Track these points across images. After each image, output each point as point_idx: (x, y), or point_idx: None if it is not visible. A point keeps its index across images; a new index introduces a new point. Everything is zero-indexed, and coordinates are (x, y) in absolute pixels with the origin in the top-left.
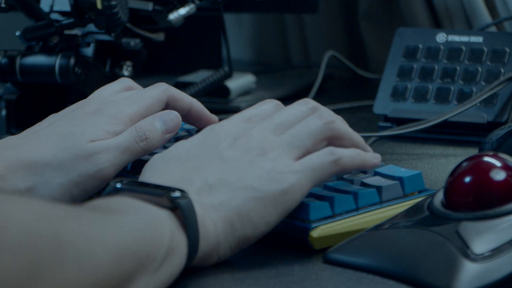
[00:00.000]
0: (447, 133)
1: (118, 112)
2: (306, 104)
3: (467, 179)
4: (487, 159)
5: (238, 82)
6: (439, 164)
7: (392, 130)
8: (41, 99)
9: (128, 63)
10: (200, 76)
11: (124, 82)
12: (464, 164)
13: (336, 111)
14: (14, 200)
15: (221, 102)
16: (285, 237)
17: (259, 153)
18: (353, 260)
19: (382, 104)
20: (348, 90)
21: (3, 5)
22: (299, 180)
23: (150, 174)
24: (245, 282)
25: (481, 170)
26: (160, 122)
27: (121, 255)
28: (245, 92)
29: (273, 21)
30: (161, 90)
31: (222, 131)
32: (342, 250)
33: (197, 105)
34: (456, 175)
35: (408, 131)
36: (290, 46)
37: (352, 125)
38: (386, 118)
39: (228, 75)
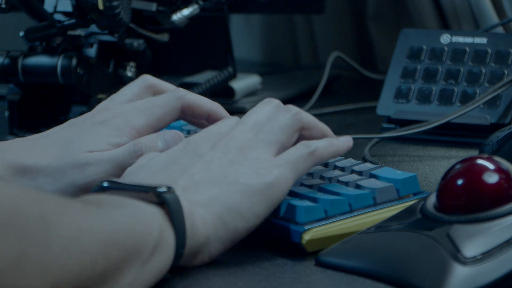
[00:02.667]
0: (450, 135)
1: (123, 124)
2: (270, 103)
3: (459, 181)
4: (479, 161)
5: (243, 82)
6: (441, 166)
7: (394, 132)
8: (43, 100)
9: (132, 63)
10: (205, 77)
11: (144, 81)
12: (457, 166)
13: (342, 112)
14: (3, 183)
15: (225, 103)
16: (278, 239)
17: (239, 152)
18: (345, 263)
19: (386, 105)
20: (354, 91)
21: (3, 6)
22: (283, 173)
23: (133, 177)
24: (235, 284)
25: (473, 173)
26: (162, 142)
27: (109, 245)
28: (251, 93)
29: (283, 22)
30: (176, 97)
31: (199, 140)
32: (333, 253)
33: (216, 112)
34: (448, 177)
35: (410, 133)
36: (299, 47)
37: (356, 126)
38: (389, 120)
39: (232, 76)
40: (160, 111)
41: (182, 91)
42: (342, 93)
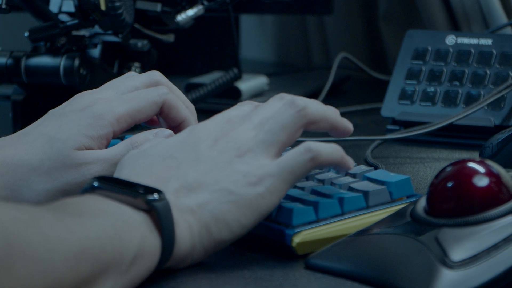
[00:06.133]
0: (453, 137)
1: (105, 112)
2: (281, 99)
3: (449, 184)
4: (470, 164)
5: (249, 83)
6: None
7: (397, 133)
8: (48, 100)
9: (137, 64)
10: (211, 78)
11: (153, 76)
12: (447, 169)
13: (348, 113)
14: None
15: (231, 104)
16: (269, 241)
17: (236, 154)
18: (334, 266)
19: (390, 106)
20: (363, 92)
21: (3, 6)
22: (275, 184)
23: (129, 170)
24: (222, 287)
25: (463, 176)
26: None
27: (80, 259)
28: (258, 94)
29: (295, 23)
30: (159, 93)
31: (202, 131)
32: (323, 255)
33: (191, 122)
34: (438, 180)
35: (413, 134)
36: (311, 47)
37: (361, 127)
38: (394, 121)
39: (237, 77)
40: (142, 103)
41: (165, 89)
42: (351, 94)
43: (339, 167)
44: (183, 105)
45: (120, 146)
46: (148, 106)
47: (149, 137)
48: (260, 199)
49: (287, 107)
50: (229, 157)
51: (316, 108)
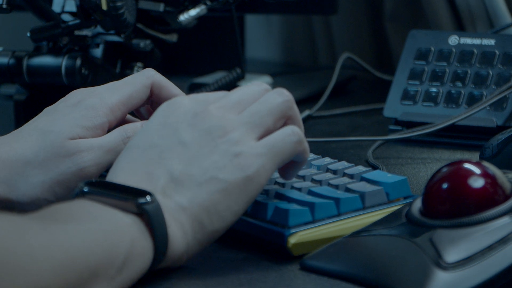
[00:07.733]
0: (456, 137)
1: (98, 103)
2: (260, 86)
3: (444, 186)
4: (465, 166)
5: None
6: None
7: (398, 134)
8: (49, 100)
9: (139, 64)
10: (214, 78)
11: (150, 75)
12: (442, 170)
13: (351, 114)
14: None
15: None
16: (264, 242)
17: (220, 134)
18: (329, 267)
19: (393, 107)
20: (367, 92)
21: (4, 6)
22: (263, 165)
23: (115, 167)
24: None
25: (458, 177)
26: None
27: (67, 266)
28: None
29: (302, 23)
30: (146, 76)
31: (180, 108)
32: (318, 256)
33: None
34: (433, 182)
35: (414, 135)
36: (317, 48)
37: (364, 127)
38: (396, 121)
39: (240, 77)
40: (131, 88)
41: (152, 71)
42: (355, 94)
43: (302, 158)
44: (172, 84)
45: (113, 133)
46: (139, 89)
47: (139, 126)
48: (249, 182)
49: (275, 94)
50: (213, 137)
51: (296, 107)
